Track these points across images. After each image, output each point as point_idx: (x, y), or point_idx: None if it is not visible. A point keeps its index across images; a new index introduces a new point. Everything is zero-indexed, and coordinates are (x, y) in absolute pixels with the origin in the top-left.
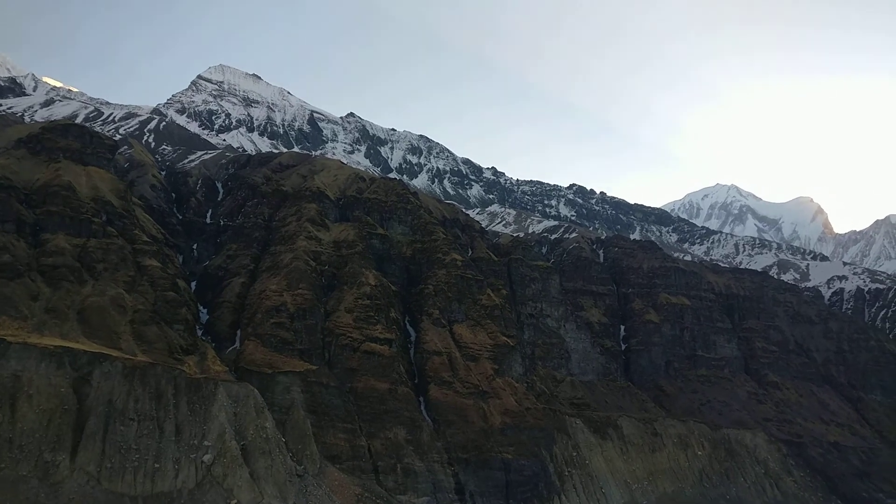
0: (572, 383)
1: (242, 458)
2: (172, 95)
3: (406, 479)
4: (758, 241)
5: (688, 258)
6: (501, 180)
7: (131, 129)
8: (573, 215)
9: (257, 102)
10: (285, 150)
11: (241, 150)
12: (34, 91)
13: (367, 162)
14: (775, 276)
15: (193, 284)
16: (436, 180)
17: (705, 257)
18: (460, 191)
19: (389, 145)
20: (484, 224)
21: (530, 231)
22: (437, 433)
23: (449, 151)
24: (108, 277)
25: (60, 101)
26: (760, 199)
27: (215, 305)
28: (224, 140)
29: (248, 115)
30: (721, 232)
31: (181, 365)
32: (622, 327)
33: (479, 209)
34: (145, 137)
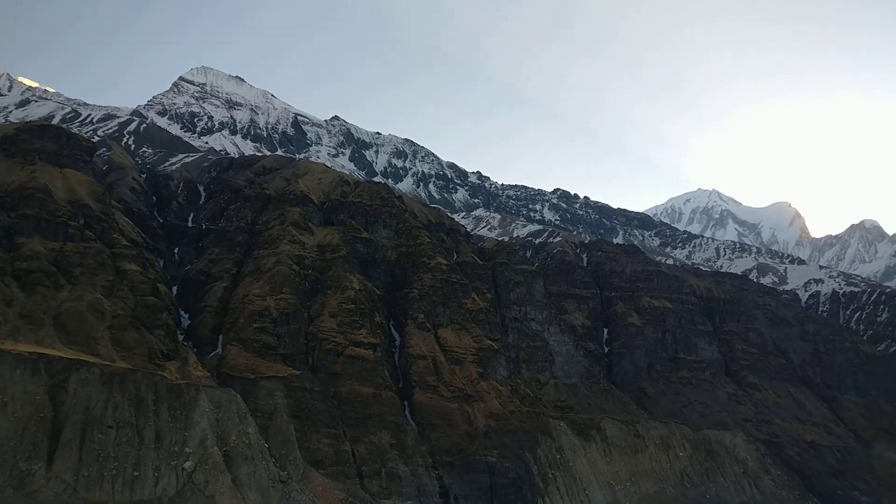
0: (556, 386)
1: (225, 465)
2: (153, 97)
3: (390, 484)
4: (738, 246)
5: (670, 262)
6: (486, 185)
7: (110, 131)
8: (557, 220)
9: (240, 105)
10: (269, 153)
11: (223, 152)
12: (9, 91)
13: (351, 165)
14: (755, 280)
15: (175, 289)
16: (421, 184)
17: (687, 261)
18: (445, 195)
19: (374, 149)
20: (469, 228)
21: (515, 235)
22: (422, 437)
23: (434, 155)
24: (85, 282)
25: (36, 101)
26: (741, 204)
27: (197, 310)
28: (206, 143)
29: (231, 117)
30: (702, 236)
31: (162, 371)
32: (605, 330)
33: (464, 213)
34: (125, 139)
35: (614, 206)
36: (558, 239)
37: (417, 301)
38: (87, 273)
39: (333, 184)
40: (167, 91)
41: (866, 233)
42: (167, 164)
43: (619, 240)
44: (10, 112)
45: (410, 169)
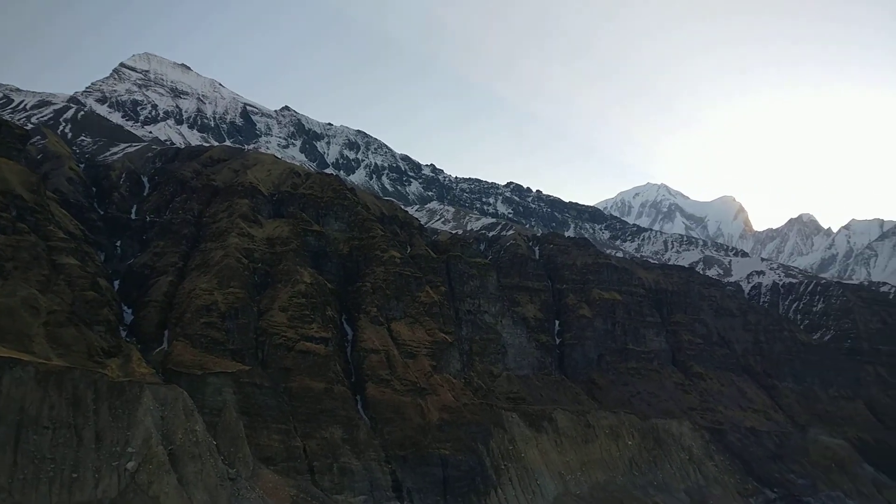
0: (509, 378)
1: (170, 464)
2: (92, 83)
3: (342, 479)
4: (685, 239)
5: (620, 255)
6: (440, 177)
7: (45, 119)
8: (510, 213)
9: (186, 94)
10: (217, 143)
11: (168, 142)
12: None
13: (302, 157)
14: (701, 272)
15: (117, 283)
16: (374, 176)
17: (636, 254)
18: (399, 187)
19: (326, 140)
20: (423, 221)
21: (469, 228)
22: (375, 431)
23: (387, 147)
24: (18, 277)
25: None
26: (688, 198)
27: (141, 305)
28: (150, 132)
29: (177, 106)
30: (651, 229)
31: (102, 368)
32: (557, 322)
33: (418, 206)
34: (61, 128)
35: (566, 199)
36: (511, 232)
37: (370, 294)
38: (21, 267)
39: (284, 175)
40: (107, 78)
41: (804, 226)
42: (108, 153)
43: (570, 233)
44: None
45: (363, 161)
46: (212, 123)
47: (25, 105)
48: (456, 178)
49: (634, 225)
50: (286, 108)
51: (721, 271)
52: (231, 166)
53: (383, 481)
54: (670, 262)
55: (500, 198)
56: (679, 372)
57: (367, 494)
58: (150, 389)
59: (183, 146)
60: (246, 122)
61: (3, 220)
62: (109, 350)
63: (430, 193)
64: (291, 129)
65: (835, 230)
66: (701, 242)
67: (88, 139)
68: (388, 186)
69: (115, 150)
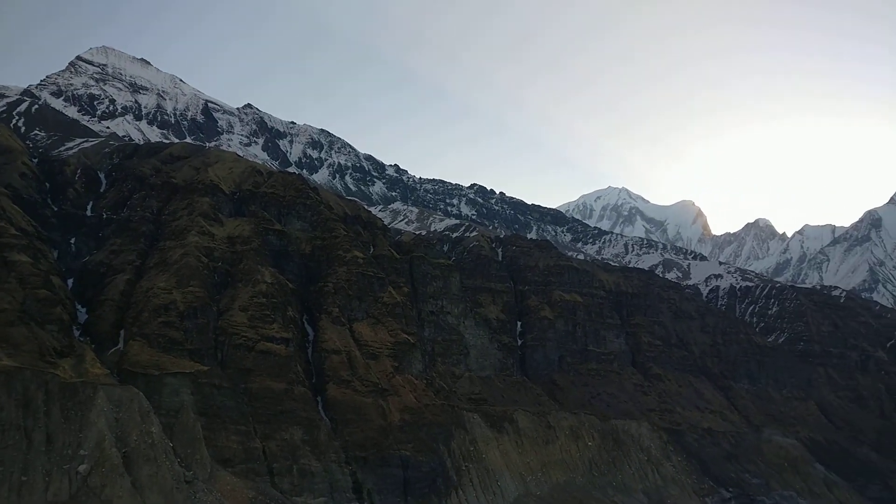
0: (470, 379)
1: (124, 467)
2: (47, 76)
3: (302, 481)
4: (645, 242)
5: (581, 257)
6: (404, 178)
7: None
8: (474, 214)
9: (146, 89)
10: (177, 140)
11: (127, 138)
12: None
13: (264, 155)
14: (660, 275)
15: (71, 282)
16: (337, 176)
17: (597, 256)
18: (362, 187)
19: (289, 139)
20: (386, 221)
21: (432, 229)
22: (335, 432)
23: (351, 147)
24: None
25: None
26: (648, 202)
27: (96, 304)
28: (108, 128)
29: (136, 102)
30: (612, 232)
31: (54, 368)
32: (519, 323)
33: (381, 206)
34: (14, 121)
35: (529, 202)
36: (475, 233)
37: (332, 295)
38: None
39: (245, 173)
40: (63, 71)
41: (760, 231)
42: (63, 148)
43: (532, 235)
44: None
45: (326, 160)
46: (172, 120)
47: None
48: (420, 178)
49: (596, 228)
50: (248, 105)
51: (680, 274)
52: (192, 164)
53: (343, 483)
54: (631, 265)
55: (464, 199)
56: (638, 373)
57: (327, 496)
58: (104, 390)
59: (142, 142)
60: (207, 120)
61: None
62: (62, 350)
63: (393, 194)
64: (254, 126)
65: (789, 235)
66: (661, 246)
67: (43, 133)
68: (351, 186)
69: (70, 144)
